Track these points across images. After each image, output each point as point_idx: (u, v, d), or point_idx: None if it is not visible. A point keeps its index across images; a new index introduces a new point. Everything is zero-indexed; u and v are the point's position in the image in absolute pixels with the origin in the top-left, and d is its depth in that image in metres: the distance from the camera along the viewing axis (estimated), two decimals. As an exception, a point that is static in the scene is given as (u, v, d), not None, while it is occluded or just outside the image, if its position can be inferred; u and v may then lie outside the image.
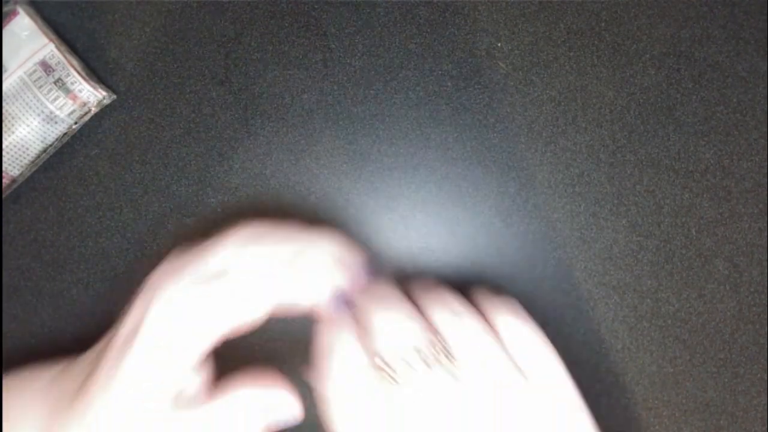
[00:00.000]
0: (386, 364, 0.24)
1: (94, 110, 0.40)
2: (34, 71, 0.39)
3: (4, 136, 0.38)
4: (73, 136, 0.41)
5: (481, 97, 0.41)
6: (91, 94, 0.40)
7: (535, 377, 0.26)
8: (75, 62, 0.39)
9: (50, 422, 0.28)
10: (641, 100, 0.40)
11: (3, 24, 0.39)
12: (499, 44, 0.41)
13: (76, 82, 0.39)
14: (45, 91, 0.39)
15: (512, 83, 0.41)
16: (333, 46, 0.41)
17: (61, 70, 0.39)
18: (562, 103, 0.41)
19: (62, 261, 0.41)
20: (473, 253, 0.41)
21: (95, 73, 0.40)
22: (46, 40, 0.39)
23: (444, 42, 0.41)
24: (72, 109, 0.39)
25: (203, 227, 0.41)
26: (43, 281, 0.41)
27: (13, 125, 0.39)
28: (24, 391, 0.31)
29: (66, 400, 0.28)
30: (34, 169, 0.40)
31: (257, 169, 0.41)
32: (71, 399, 0.28)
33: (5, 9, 0.39)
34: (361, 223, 0.41)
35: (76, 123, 0.40)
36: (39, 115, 0.39)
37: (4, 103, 0.38)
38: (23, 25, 0.39)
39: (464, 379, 0.24)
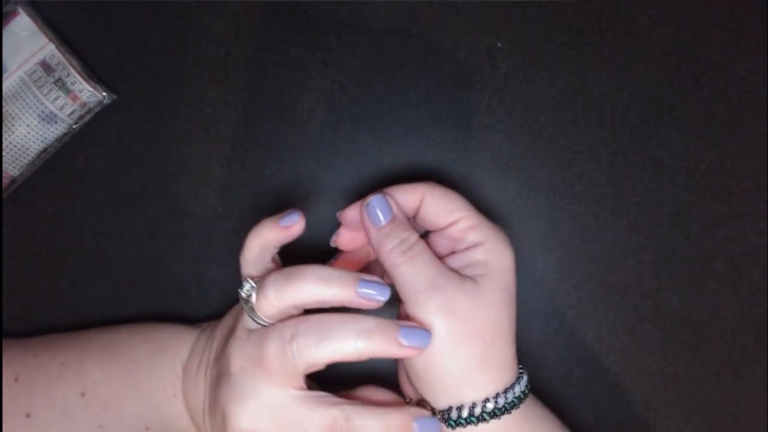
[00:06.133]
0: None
1: (94, 110, 0.40)
2: (34, 71, 0.39)
3: (4, 136, 0.38)
4: (73, 136, 0.40)
5: (481, 97, 0.41)
6: (91, 94, 0.40)
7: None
8: (75, 62, 0.39)
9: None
10: (642, 100, 0.40)
11: (3, 24, 0.39)
12: (499, 44, 0.41)
13: (76, 82, 0.39)
14: (45, 91, 0.39)
15: (512, 83, 0.41)
16: (333, 46, 0.41)
17: (61, 70, 0.39)
18: (563, 103, 0.40)
19: (62, 261, 0.41)
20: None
21: (95, 73, 0.40)
22: (46, 40, 0.39)
23: (444, 42, 0.41)
24: (72, 109, 0.39)
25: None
26: (43, 281, 0.41)
27: (13, 125, 0.39)
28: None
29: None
30: (34, 169, 0.40)
31: (257, 169, 0.41)
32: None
33: (5, 9, 0.39)
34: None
35: (76, 123, 0.40)
36: (39, 115, 0.39)
37: (4, 103, 0.38)
38: (23, 25, 0.39)
39: None
